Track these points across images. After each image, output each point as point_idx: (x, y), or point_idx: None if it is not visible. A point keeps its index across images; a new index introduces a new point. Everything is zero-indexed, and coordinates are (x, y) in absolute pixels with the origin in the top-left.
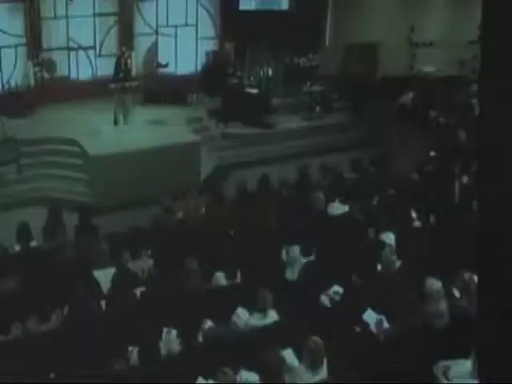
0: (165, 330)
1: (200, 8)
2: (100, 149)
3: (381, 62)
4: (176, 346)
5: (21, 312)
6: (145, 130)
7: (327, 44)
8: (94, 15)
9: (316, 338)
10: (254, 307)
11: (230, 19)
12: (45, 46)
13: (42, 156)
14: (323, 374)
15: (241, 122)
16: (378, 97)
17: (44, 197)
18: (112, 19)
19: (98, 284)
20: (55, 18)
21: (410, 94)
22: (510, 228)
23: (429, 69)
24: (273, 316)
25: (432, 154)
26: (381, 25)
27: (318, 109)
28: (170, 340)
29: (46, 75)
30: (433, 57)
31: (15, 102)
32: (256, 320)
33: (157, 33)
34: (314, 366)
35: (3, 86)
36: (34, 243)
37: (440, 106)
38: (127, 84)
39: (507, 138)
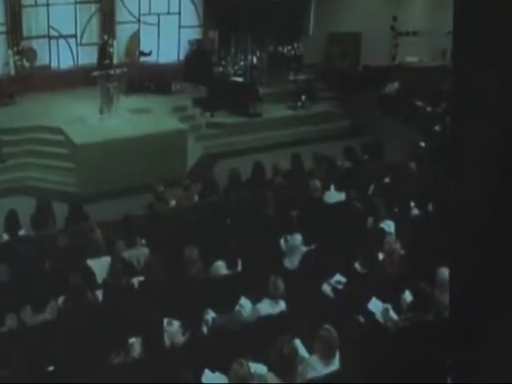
0: (165, 320)
1: None
2: (86, 137)
3: (363, 52)
4: (179, 338)
5: (15, 303)
6: (130, 118)
7: (310, 33)
8: (76, 3)
9: (329, 327)
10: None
11: (213, 7)
12: (25, 34)
13: (25, 145)
14: (335, 365)
15: (227, 110)
16: (361, 86)
17: (28, 187)
18: (93, 7)
19: (92, 274)
20: (36, 5)
21: (395, 84)
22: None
23: (412, 59)
24: (283, 304)
25: (422, 144)
26: (364, 14)
27: (303, 98)
28: (173, 331)
29: (26, 64)
30: (415, 47)
31: None
32: (267, 308)
33: (139, 21)
34: (327, 356)
35: None
36: (22, 232)
37: (426, 96)
38: (111, 71)
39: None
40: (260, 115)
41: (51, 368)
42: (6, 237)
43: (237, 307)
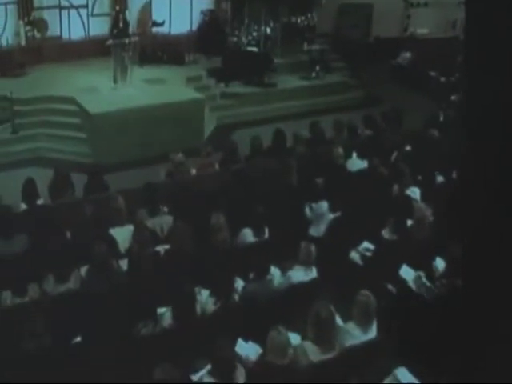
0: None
1: None
2: (100, 107)
3: (375, 23)
4: (210, 307)
5: (36, 273)
6: (145, 88)
7: (323, 3)
8: None
9: (366, 292)
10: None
11: None
12: (36, 4)
13: (37, 115)
14: (373, 333)
15: (241, 80)
16: (373, 58)
17: (41, 157)
18: None
19: (115, 243)
20: None
21: (407, 54)
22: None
23: (422, 31)
24: (314, 272)
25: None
26: None
27: (317, 68)
28: (203, 301)
29: (37, 35)
30: (426, 18)
31: (6, 62)
32: (300, 275)
33: None
34: (365, 322)
35: None
36: (40, 202)
37: (439, 66)
38: (126, 40)
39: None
40: (275, 85)
41: (77, 339)
42: (23, 206)
43: (268, 276)
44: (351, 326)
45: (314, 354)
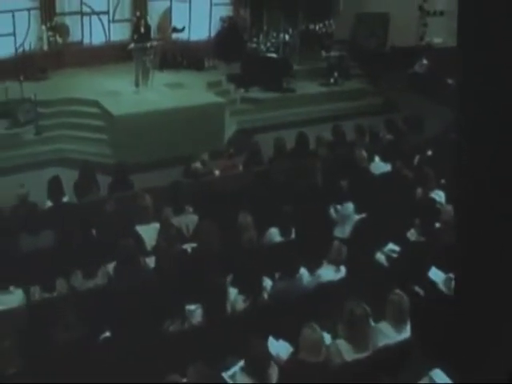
0: None
1: None
2: (123, 109)
3: (391, 32)
4: (240, 305)
5: (62, 268)
6: (166, 91)
7: (340, 11)
8: None
9: (399, 291)
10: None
11: None
12: (58, 10)
13: (60, 117)
14: (407, 332)
15: (261, 86)
16: (390, 67)
17: (64, 158)
18: None
19: (141, 240)
20: None
21: (424, 61)
22: None
23: (438, 40)
24: (343, 271)
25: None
26: None
27: (335, 74)
28: (232, 298)
29: (59, 40)
30: (442, 27)
31: (29, 66)
32: (329, 274)
33: None
34: (398, 322)
35: (17, 49)
36: (65, 199)
37: (456, 74)
38: (148, 44)
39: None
40: (294, 91)
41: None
42: (49, 203)
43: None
44: (384, 326)
45: (347, 352)
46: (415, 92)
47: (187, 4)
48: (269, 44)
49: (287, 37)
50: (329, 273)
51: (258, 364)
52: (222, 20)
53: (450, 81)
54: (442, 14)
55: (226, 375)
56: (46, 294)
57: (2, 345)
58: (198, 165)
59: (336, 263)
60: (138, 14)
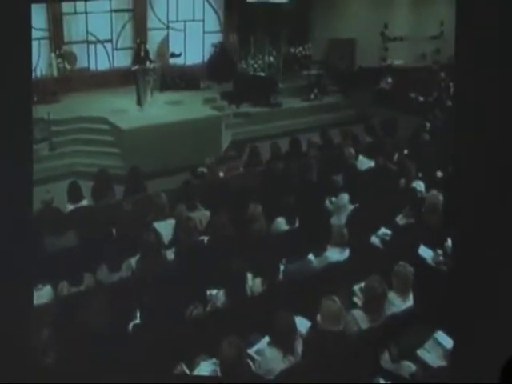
0: None
1: (206, 4)
2: (130, 123)
3: (358, 55)
4: (258, 287)
5: (88, 265)
6: (167, 108)
7: (316, 37)
8: (111, 11)
9: (403, 263)
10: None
11: (233, 15)
12: (66, 39)
13: (72, 134)
14: (410, 301)
15: (250, 102)
16: (359, 84)
17: (77, 172)
18: (127, 15)
19: (159, 234)
20: (75, 13)
21: (389, 79)
22: None
23: (398, 62)
24: (347, 252)
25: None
26: (357, 23)
27: (315, 90)
28: (249, 283)
29: (67, 66)
30: (401, 51)
31: (40, 90)
32: (335, 255)
33: (168, 27)
34: (403, 291)
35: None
36: (85, 202)
37: (416, 89)
38: (150, 65)
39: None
40: (280, 105)
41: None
42: (70, 207)
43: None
44: (392, 296)
45: (363, 321)
46: (382, 105)
47: (182, 32)
48: (256, 65)
49: (272, 58)
50: (334, 255)
51: (286, 336)
52: (214, 46)
53: (412, 94)
54: (401, 39)
55: (250, 351)
56: (73, 288)
57: (39, 337)
58: (203, 169)
59: (340, 245)
60: (138, 40)
